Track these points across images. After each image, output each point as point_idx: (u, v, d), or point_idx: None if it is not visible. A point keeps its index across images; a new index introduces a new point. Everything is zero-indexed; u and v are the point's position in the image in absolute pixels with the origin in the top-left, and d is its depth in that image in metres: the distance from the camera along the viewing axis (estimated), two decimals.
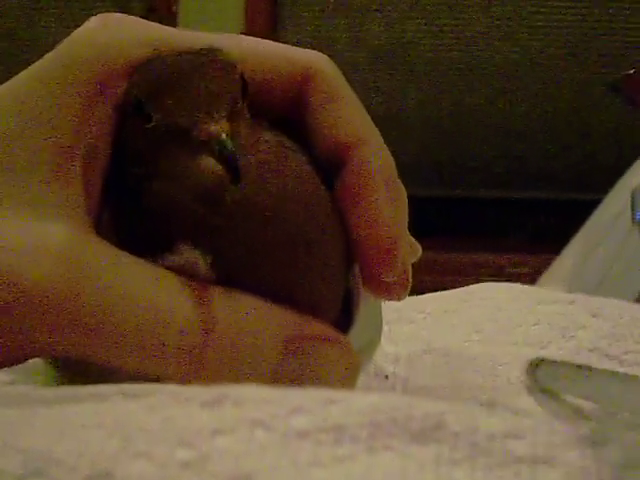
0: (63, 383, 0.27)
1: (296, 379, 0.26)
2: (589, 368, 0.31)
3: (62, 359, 0.27)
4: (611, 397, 0.29)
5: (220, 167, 0.25)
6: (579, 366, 0.31)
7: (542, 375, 0.32)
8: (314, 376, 0.26)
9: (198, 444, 0.17)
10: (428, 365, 0.34)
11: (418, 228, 0.30)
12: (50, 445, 0.17)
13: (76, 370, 0.27)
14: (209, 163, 0.25)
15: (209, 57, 0.27)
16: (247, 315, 0.25)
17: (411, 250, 0.30)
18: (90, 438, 0.18)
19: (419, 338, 0.36)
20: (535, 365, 0.32)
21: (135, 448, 0.17)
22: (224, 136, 0.25)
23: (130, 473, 0.17)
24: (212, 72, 0.26)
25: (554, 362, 0.32)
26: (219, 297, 0.25)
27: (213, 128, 0.25)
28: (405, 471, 0.17)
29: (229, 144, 0.25)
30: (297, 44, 0.29)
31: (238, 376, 0.25)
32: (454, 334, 0.37)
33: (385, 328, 0.32)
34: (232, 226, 0.25)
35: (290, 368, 0.26)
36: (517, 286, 0.42)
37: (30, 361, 0.26)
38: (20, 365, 0.26)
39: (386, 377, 0.34)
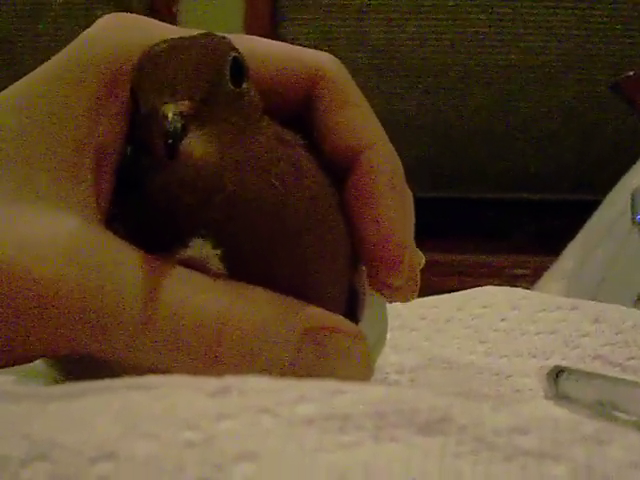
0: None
1: (312, 371, 0.25)
2: (609, 377, 0.31)
3: (64, 360, 0.27)
4: (629, 404, 0.29)
5: (198, 151, 0.25)
6: (600, 375, 0.31)
7: (562, 383, 0.32)
8: (330, 368, 0.26)
9: (203, 426, 0.17)
10: (433, 377, 0.34)
11: (418, 229, 0.30)
12: (54, 431, 0.17)
13: (78, 371, 0.27)
14: (189, 149, 0.25)
15: (194, 41, 0.26)
16: (263, 307, 0.25)
17: (417, 257, 0.30)
18: (95, 423, 0.18)
19: (423, 348, 0.36)
20: (556, 373, 0.32)
21: (140, 431, 0.17)
22: (170, 114, 0.24)
23: (135, 453, 0.17)
24: (185, 54, 0.26)
25: (574, 370, 0.32)
26: (233, 290, 0.25)
27: (168, 109, 0.24)
28: (410, 461, 0.17)
29: (172, 120, 0.24)
30: (297, 44, 0.29)
31: (253, 370, 0.25)
32: (459, 346, 0.37)
33: (388, 335, 0.32)
34: (241, 221, 0.25)
35: (306, 360, 0.26)
36: (518, 291, 0.42)
37: (33, 363, 0.26)
38: (24, 367, 0.26)
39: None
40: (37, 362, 0.28)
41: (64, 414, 0.18)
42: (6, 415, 0.18)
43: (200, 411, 0.18)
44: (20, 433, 0.17)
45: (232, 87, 0.26)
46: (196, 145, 0.25)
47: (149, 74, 0.26)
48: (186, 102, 0.25)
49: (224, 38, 0.27)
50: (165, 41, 0.26)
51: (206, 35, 0.27)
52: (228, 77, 0.26)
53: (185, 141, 0.24)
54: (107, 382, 0.20)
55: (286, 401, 0.18)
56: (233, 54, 0.26)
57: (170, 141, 0.24)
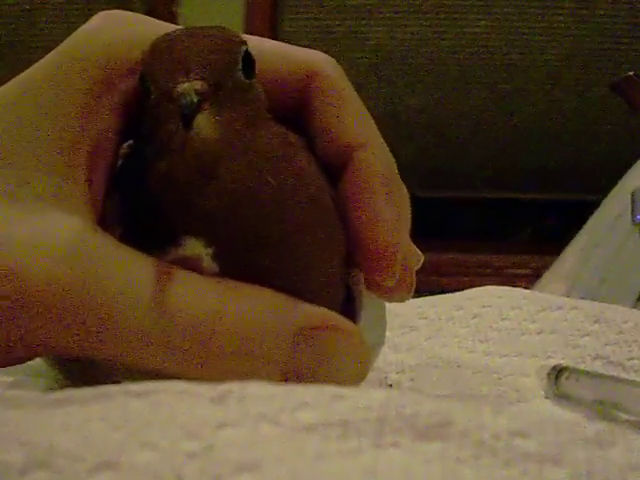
0: (65, 385, 0.27)
1: (308, 370, 0.25)
2: (610, 376, 0.31)
3: (64, 359, 0.27)
4: (629, 403, 0.29)
5: (208, 132, 0.25)
6: (600, 374, 0.32)
7: (563, 382, 0.32)
8: (326, 367, 0.26)
9: (203, 435, 0.17)
10: (433, 376, 0.34)
11: (418, 229, 0.30)
12: (54, 438, 0.17)
13: (78, 370, 0.27)
14: (198, 128, 0.25)
15: (207, 30, 0.27)
16: (256, 306, 0.25)
17: (413, 257, 0.30)
18: (95, 430, 0.18)
19: (423, 348, 0.36)
20: (557, 372, 0.32)
21: (140, 439, 0.17)
22: (186, 88, 0.25)
23: (136, 463, 0.17)
24: (199, 40, 0.26)
25: (575, 370, 0.32)
26: (225, 289, 0.25)
27: (184, 86, 0.25)
28: (411, 467, 0.17)
29: (188, 94, 0.24)
30: (297, 44, 0.29)
31: (249, 369, 0.25)
32: (459, 344, 0.37)
33: (388, 334, 0.32)
34: (233, 218, 0.25)
35: (302, 359, 0.25)
36: (519, 291, 0.42)
37: (31, 362, 0.26)
38: (22, 366, 0.26)
39: (390, 386, 0.34)
40: (38, 363, 0.28)
41: (63, 421, 0.18)
42: (5, 421, 0.18)
43: (200, 419, 0.18)
44: (19, 440, 0.17)
45: (244, 78, 0.26)
46: (205, 126, 0.25)
47: (163, 58, 0.26)
48: (200, 82, 0.25)
49: (234, 31, 0.27)
50: (178, 30, 0.27)
51: (219, 27, 0.27)
52: (240, 67, 0.26)
53: (195, 121, 0.25)
54: (107, 388, 0.20)
55: (286, 407, 0.18)
56: (245, 46, 0.27)
57: (187, 112, 0.24)
